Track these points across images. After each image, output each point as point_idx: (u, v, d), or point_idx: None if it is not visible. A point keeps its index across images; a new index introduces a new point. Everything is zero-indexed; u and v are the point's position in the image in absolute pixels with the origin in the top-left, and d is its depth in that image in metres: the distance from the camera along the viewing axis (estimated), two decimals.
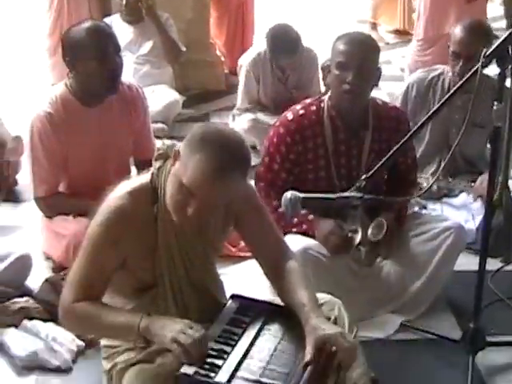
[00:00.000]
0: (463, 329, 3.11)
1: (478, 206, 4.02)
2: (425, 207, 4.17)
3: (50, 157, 3.56)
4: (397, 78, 6.51)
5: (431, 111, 2.65)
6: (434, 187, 4.16)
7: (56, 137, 3.53)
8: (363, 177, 2.41)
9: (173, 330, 2.40)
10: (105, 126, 3.60)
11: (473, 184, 4.17)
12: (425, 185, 4.06)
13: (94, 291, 2.54)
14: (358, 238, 3.26)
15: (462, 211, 4.04)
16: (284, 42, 5.19)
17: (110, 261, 2.53)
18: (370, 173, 2.42)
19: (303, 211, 3.23)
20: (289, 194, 2.45)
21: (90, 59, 3.41)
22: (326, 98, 3.37)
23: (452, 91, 2.68)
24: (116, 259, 2.53)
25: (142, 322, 2.44)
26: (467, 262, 3.52)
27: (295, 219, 3.31)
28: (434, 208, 4.15)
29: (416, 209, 4.11)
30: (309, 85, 5.39)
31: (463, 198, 4.11)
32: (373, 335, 3.27)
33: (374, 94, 3.43)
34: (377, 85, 3.35)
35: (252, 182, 3.03)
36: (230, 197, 2.48)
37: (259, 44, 5.63)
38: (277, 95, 5.38)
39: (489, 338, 3.07)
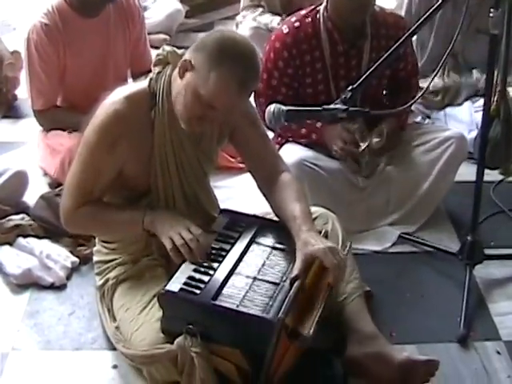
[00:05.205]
0: (462, 241, 3.05)
1: None
2: (428, 116, 4.10)
3: (48, 69, 3.52)
4: None
5: (427, 13, 2.50)
6: (439, 97, 4.07)
7: (53, 48, 3.48)
8: (349, 88, 2.31)
9: (171, 228, 2.45)
10: (102, 36, 3.56)
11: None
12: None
13: (93, 196, 2.54)
14: (366, 143, 3.21)
15: (466, 121, 3.93)
16: None
17: (107, 165, 2.50)
18: (356, 84, 2.32)
19: (309, 121, 3.22)
20: (272, 107, 2.37)
21: None
22: (321, 8, 3.25)
23: None
24: (113, 164, 2.51)
25: (146, 216, 2.49)
26: (469, 173, 3.32)
27: (303, 130, 3.28)
28: (438, 117, 4.06)
29: (419, 118, 4.05)
30: None
31: (467, 107, 4.00)
32: (370, 248, 3.23)
33: None
34: None
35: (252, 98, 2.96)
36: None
37: None
38: None
39: (487, 251, 3.02)
